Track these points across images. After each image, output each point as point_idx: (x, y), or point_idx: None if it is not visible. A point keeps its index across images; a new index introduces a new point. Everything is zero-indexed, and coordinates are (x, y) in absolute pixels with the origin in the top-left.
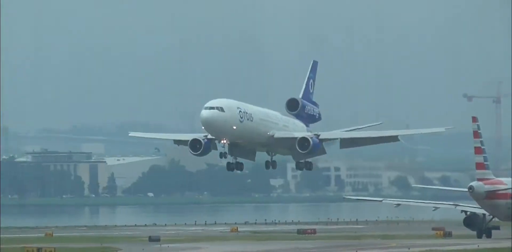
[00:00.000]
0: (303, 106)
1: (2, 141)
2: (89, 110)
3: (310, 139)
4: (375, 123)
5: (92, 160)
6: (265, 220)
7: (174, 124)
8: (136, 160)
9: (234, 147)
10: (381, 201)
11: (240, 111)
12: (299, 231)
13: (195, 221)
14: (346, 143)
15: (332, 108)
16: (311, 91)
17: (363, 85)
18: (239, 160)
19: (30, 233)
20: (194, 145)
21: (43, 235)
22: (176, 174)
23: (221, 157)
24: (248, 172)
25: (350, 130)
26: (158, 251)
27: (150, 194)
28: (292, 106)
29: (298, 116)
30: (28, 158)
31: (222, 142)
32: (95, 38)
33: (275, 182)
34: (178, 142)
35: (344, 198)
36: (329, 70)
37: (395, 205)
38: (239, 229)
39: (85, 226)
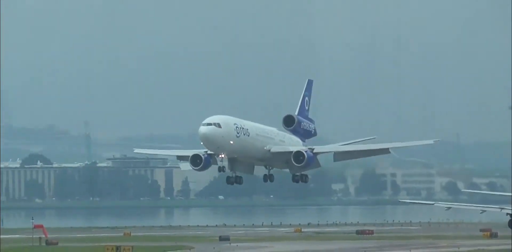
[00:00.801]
0: (299, 122)
1: (86, 148)
2: (164, 120)
3: (304, 153)
4: (368, 138)
5: (168, 166)
6: (327, 221)
7: None
8: None
9: (234, 162)
10: (433, 204)
11: (236, 127)
12: (358, 232)
13: (262, 222)
14: (340, 156)
15: (328, 124)
16: (306, 108)
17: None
18: (238, 173)
19: (110, 233)
20: (195, 160)
21: (122, 234)
22: (245, 178)
23: (219, 171)
24: (311, 177)
25: (345, 144)
26: (228, 249)
27: (221, 197)
28: (288, 122)
29: (294, 132)
30: (109, 164)
31: (220, 156)
32: (166, 47)
33: (336, 186)
34: (180, 158)
35: (399, 201)
36: (326, 87)
37: (446, 208)
38: (302, 230)
39: (161, 226)
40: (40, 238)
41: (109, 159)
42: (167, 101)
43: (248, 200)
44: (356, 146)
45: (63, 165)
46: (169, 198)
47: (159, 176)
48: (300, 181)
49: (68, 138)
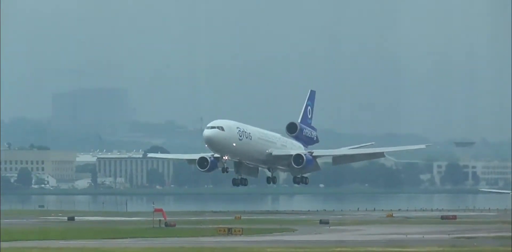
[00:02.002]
0: (301, 130)
1: (201, 141)
2: (263, 117)
3: (304, 156)
4: (366, 144)
5: None
6: (415, 207)
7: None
8: None
9: (239, 165)
10: (509, 193)
11: (239, 130)
12: (442, 217)
13: (358, 208)
14: (338, 159)
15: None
16: (309, 117)
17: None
18: (244, 176)
19: (222, 216)
20: (202, 162)
21: (233, 218)
22: (344, 169)
23: (223, 172)
24: (401, 168)
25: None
26: (327, 232)
27: (321, 185)
28: (291, 129)
29: (297, 138)
30: None
31: (224, 158)
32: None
33: (424, 176)
34: (190, 161)
35: (479, 190)
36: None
37: None
38: (394, 215)
39: (268, 211)
40: (160, 220)
41: None
42: (267, 100)
43: (346, 188)
44: (353, 150)
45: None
46: (275, 185)
47: None
48: (300, 183)
49: (185, 132)
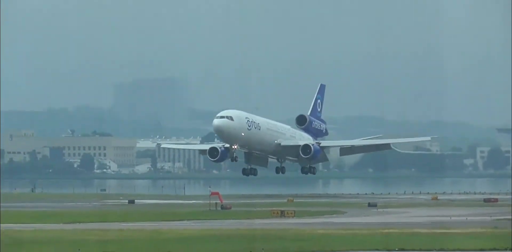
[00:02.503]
0: (310, 122)
1: None
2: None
3: (311, 146)
4: (375, 136)
5: None
6: (458, 191)
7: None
8: None
9: (249, 156)
10: None
11: (248, 120)
12: (485, 200)
13: (404, 191)
14: (345, 150)
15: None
16: (319, 110)
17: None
18: (253, 166)
19: (275, 199)
20: (212, 152)
21: (285, 201)
22: (391, 154)
23: (232, 161)
24: (446, 153)
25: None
26: (375, 214)
27: (370, 170)
28: (301, 121)
29: (306, 130)
30: None
31: (233, 147)
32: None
33: (467, 161)
34: (201, 152)
35: None
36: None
37: None
38: (438, 198)
39: (319, 194)
40: (216, 203)
41: None
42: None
43: (393, 172)
44: (359, 141)
45: None
46: (326, 170)
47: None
48: (308, 173)
49: None
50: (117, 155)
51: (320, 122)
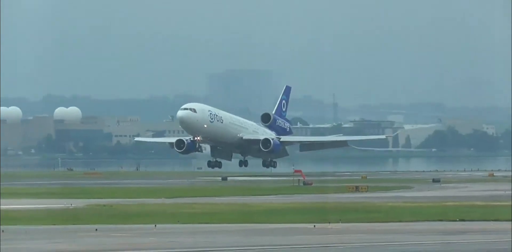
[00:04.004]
0: (274, 120)
1: (334, 113)
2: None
3: (271, 140)
4: (337, 135)
5: (394, 126)
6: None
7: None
8: (425, 127)
9: (214, 149)
10: None
11: (211, 113)
12: None
13: (464, 168)
14: (305, 146)
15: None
16: (283, 110)
17: None
18: (218, 159)
19: (350, 176)
20: (179, 144)
21: (359, 177)
22: (452, 136)
23: (196, 151)
24: (500, 135)
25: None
26: (438, 188)
27: (434, 149)
28: (265, 119)
29: (270, 128)
30: (351, 125)
31: (196, 139)
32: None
33: None
34: (171, 145)
35: None
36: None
37: None
38: (494, 174)
39: (389, 171)
40: (299, 180)
41: (351, 121)
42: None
43: (454, 151)
44: (318, 137)
45: (317, 125)
46: (395, 149)
47: (388, 133)
48: (269, 166)
49: (321, 106)
50: None
51: (284, 121)
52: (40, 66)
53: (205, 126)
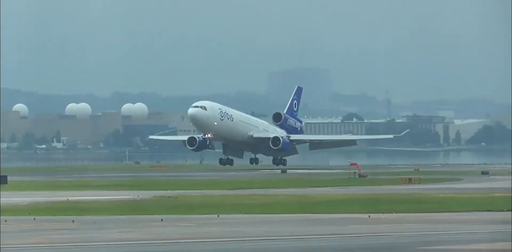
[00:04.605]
0: (285, 119)
1: (387, 108)
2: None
3: (281, 138)
4: (345, 134)
5: (445, 121)
6: None
7: None
8: (474, 121)
9: (226, 147)
10: None
11: (221, 111)
12: None
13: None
14: (314, 145)
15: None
16: (295, 110)
17: None
18: (230, 157)
19: (404, 169)
20: (191, 141)
21: (412, 170)
22: (500, 130)
23: (207, 148)
24: None
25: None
26: (487, 180)
27: (483, 144)
28: (276, 118)
29: (281, 127)
30: (404, 120)
31: (207, 136)
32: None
33: None
34: (183, 142)
35: None
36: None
37: None
38: None
39: (440, 164)
40: (354, 172)
41: (403, 117)
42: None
43: (501, 145)
44: (327, 136)
45: (371, 120)
46: (446, 144)
47: (439, 128)
48: (279, 164)
49: (375, 102)
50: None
51: (295, 120)
52: (109, 65)
53: (215, 123)
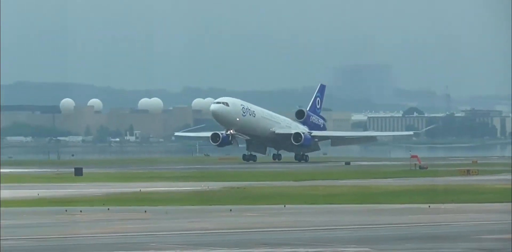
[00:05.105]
0: (308, 116)
1: (447, 103)
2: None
3: (302, 134)
4: (366, 131)
5: (502, 115)
6: None
7: None
8: None
9: (249, 143)
10: None
11: (243, 107)
12: None
13: None
14: (335, 141)
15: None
16: (318, 107)
17: None
18: (253, 153)
19: (463, 161)
20: (215, 137)
21: (470, 162)
22: None
23: (230, 144)
24: None
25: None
26: None
27: None
28: (299, 115)
29: (304, 123)
30: (462, 114)
31: (229, 132)
32: None
33: None
34: (207, 138)
35: None
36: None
37: None
38: None
39: (497, 157)
40: (415, 164)
41: (462, 111)
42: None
43: None
44: (349, 133)
45: (431, 114)
46: (503, 137)
47: (496, 122)
48: (301, 160)
49: (435, 96)
50: (336, 126)
51: (318, 118)
52: (180, 61)
53: (237, 119)
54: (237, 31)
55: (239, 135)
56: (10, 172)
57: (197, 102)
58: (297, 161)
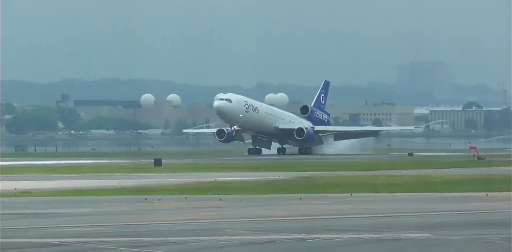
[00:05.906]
0: (312, 111)
1: (503, 97)
2: None
3: (305, 129)
4: (366, 125)
5: None
6: None
7: None
8: None
9: (255, 138)
10: None
11: (246, 103)
12: None
13: None
14: (338, 135)
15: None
16: (322, 102)
17: None
18: (258, 147)
19: (500, 152)
20: (220, 133)
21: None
22: None
23: (235, 140)
24: None
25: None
26: None
27: None
28: (304, 110)
29: (308, 119)
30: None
31: (233, 127)
32: None
33: None
34: (214, 134)
35: None
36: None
37: None
38: None
39: None
40: (473, 155)
41: None
42: None
43: None
44: (351, 127)
45: (489, 108)
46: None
47: None
48: (304, 153)
49: (492, 91)
50: (400, 119)
51: (322, 113)
52: (253, 58)
53: (241, 115)
54: (307, 28)
55: (243, 131)
56: (94, 162)
57: (270, 97)
58: (301, 154)
